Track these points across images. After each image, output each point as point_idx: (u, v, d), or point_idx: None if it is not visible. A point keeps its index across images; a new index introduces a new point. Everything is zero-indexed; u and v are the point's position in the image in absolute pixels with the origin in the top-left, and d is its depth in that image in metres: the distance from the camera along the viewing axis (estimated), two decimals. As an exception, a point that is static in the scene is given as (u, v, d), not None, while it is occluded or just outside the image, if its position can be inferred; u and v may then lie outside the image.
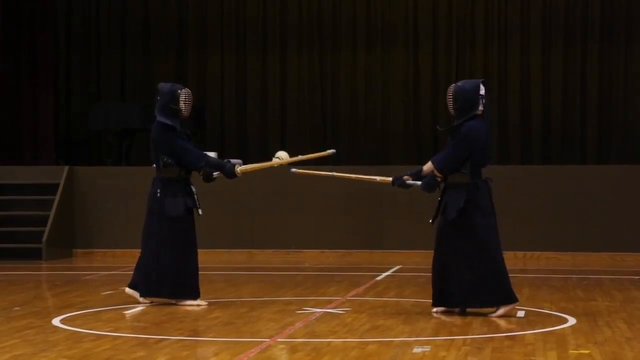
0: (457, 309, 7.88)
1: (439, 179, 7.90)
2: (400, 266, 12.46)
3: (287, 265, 12.86)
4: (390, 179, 8.15)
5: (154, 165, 8.76)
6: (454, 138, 7.78)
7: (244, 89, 16.47)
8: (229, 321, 7.64)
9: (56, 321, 7.58)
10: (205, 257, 13.73)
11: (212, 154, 14.37)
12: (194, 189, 8.71)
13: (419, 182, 8.02)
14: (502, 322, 7.54)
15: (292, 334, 7.01)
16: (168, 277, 8.37)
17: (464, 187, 7.74)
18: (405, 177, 8.09)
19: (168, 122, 8.57)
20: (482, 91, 7.82)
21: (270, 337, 6.87)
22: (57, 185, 13.93)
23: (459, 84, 7.91)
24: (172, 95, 8.53)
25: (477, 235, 7.71)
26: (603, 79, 15.71)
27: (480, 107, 7.79)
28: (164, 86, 8.65)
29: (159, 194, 8.55)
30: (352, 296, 9.31)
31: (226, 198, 13.94)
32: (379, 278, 11.05)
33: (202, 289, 8.62)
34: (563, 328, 7.24)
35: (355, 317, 7.77)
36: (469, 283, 7.68)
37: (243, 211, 13.88)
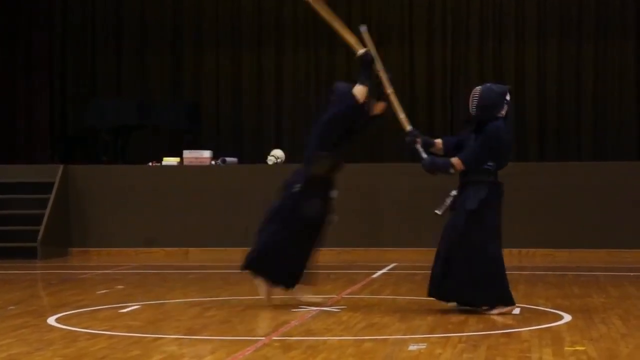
0: (451, 304, 7.88)
1: (451, 172, 7.85)
2: (396, 264, 12.46)
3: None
4: (409, 127, 8.04)
5: None
6: (481, 136, 7.79)
7: (240, 84, 16.46)
8: (225, 319, 7.64)
9: (51, 320, 7.57)
10: (201, 256, 13.77)
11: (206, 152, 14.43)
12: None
13: (425, 156, 7.94)
14: (498, 319, 7.54)
15: (288, 332, 7.00)
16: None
17: (486, 184, 7.78)
18: (418, 140, 7.98)
19: None
20: (508, 97, 7.88)
21: (266, 335, 6.87)
22: (52, 184, 13.92)
23: (488, 85, 7.96)
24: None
25: (487, 234, 7.74)
26: (598, 75, 15.72)
27: (503, 111, 7.82)
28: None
29: None
30: (348, 294, 9.31)
31: (222, 196, 13.93)
32: (374, 276, 11.05)
33: (196, 288, 8.61)
34: (558, 325, 7.24)
35: (351, 315, 7.77)
36: (469, 279, 7.67)
37: (239, 209, 13.87)
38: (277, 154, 14.50)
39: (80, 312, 8.07)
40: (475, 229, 7.71)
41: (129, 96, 16.40)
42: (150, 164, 14.46)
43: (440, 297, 7.90)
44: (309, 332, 7.03)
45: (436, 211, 7.91)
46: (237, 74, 16.47)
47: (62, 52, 16.65)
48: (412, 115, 16.04)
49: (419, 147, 8.00)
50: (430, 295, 7.90)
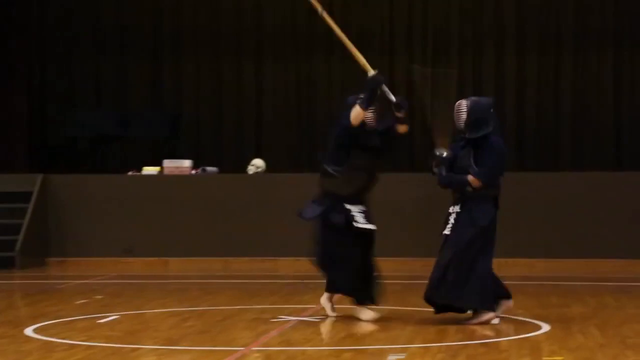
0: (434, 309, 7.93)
1: (468, 190, 7.91)
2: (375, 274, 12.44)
3: (262, 273, 12.84)
4: (441, 151, 7.95)
5: None
6: (490, 151, 7.87)
7: (220, 95, 16.44)
8: (204, 329, 7.62)
9: (29, 331, 7.53)
10: (181, 266, 13.73)
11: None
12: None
13: (444, 173, 7.93)
14: (476, 329, 7.56)
15: (267, 343, 7.00)
16: None
17: (492, 199, 7.99)
18: (444, 154, 7.94)
19: None
20: (492, 109, 7.96)
21: (245, 345, 6.86)
22: (31, 194, 13.85)
23: (473, 99, 8.02)
24: None
25: (490, 247, 7.91)
26: (576, 86, 15.81)
27: (492, 124, 7.88)
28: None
29: None
30: (328, 304, 9.29)
31: (202, 205, 13.90)
32: (354, 285, 11.03)
33: (175, 298, 8.59)
34: (537, 335, 7.27)
35: (331, 325, 7.77)
36: (464, 285, 7.70)
37: (218, 219, 13.84)
38: (257, 164, 14.50)
39: (58, 322, 8.03)
40: (481, 241, 7.85)
41: (108, 106, 16.37)
42: (129, 173, 14.42)
43: (434, 300, 7.92)
44: (288, 343, 7.02)
45: (444, 232, 7.92)
46: (218, 84, 16.46)
47: (42, 61, 16.59)
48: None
49: (442, 168, 7.97)
50: (425, 299, 7.92)
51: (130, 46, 16.52)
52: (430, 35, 16.05)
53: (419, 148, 15.83)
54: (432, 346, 6.79)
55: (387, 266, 13.16)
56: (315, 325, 7.79)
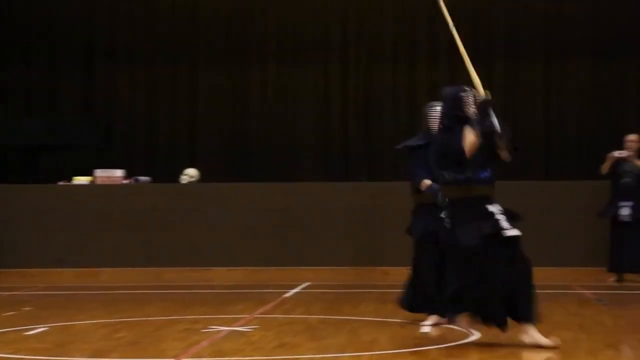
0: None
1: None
2: (309, 283, 12.48)
3: (195, 283, 12.77)
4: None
5: None
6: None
7: (154, 103, 16.31)
8: (135, 340, 7.55)
9: (-45, 343, 7.39)
10: (111, 276, 13.59)
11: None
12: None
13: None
14: (408, 338, 7.61)
15: (198, 353, 6.96)
16: None
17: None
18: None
19: None
20: None
21: (175, 356, 6.81)
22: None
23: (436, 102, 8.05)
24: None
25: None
26: (543, 96, 15.92)
27: None
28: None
29: None
30: (260, 314, 9.29)
31: (134, 215, 13.79)
32: (287, 295, 11.05)
33: (106, 309, 8.50)
34: (467, 342, 7.33)
35: (263, 334, 7.76)
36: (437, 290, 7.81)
37: (151, 229, 13.74)
38: (190, 173, 14.43)
39: (-15, 335, 7.89)
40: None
41: (38, 115, 16.14)
42: (60, 183, 14.25)
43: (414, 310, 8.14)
44: (219, 353, 6.99)
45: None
46: (151, 92, 16.34)
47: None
48: (327, 134, 16.22)
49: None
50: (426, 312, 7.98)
51: (61, 53, 16.32)
52: (364, 42, 16.13)
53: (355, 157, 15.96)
54: (363, 355, 6.82)
55: (320, 276, 13.27)
56: (247, 335, 7.77)
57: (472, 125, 7.10)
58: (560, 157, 15.88)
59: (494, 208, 7.07)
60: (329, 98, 16.17)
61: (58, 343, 7.48)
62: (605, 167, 12.45)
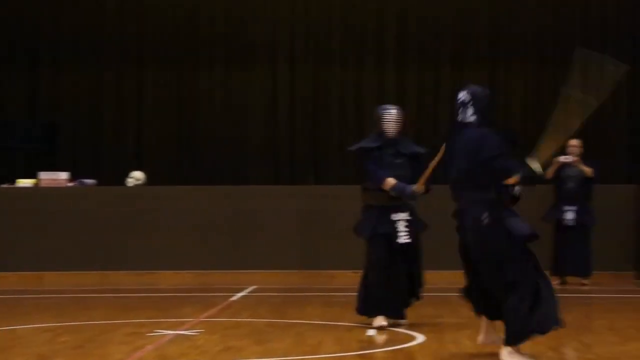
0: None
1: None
2: (256, 286, 12.46)
3: (140, 287, 12.68)
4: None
5: None
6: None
7: (100, 105, 16.15)
8: (78, 345, 7.47)
9: None
10: (55, 279, 13.44)
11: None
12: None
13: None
14: (354, 341, 7.64)
15: (143, 357, 6.91)
16: None
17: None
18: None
19: None
20: None
21: (119, 360, 6.76)
22: None
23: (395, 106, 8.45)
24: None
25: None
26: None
27: None
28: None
29: None
30: (206, 317, 9.26)
31: (79, 218, 13.66)
32: (234, 298, 11.03)
33: (50, 313, 8.39)
34: (411, 346, 7.38)
35: (208, 338, 7.73)
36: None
37: (96, 232, 13.62)
38: (136, 176, 14.33)
39: None
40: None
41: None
42: (3, 185, 14.06)
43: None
44: (164, 357, 6.95)
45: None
46: (97, 94, 16.17)
47: None
48: (275, 137, 16.22)
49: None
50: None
51: (5, 54, 16.11)
52: (311, 45, 16.15)
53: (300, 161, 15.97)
54: (307, 358, 6.83)
55: (267, 280, 13.25)
56: (193, 338, 7.73)
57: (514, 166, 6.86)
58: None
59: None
60: (276, 100, 16.16)
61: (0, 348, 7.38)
62: (550, 172, 12.61)
